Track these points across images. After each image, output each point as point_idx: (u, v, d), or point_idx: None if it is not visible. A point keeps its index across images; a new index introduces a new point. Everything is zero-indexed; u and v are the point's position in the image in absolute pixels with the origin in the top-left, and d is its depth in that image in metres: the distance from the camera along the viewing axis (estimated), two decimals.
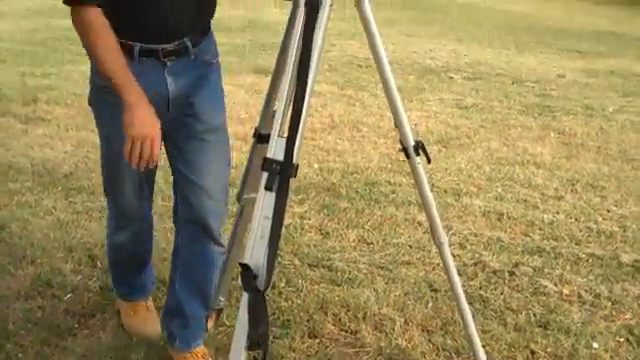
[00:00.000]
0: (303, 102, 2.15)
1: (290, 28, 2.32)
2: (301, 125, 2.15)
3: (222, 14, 11.47)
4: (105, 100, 2.52)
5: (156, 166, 2.56)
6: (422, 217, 4.21)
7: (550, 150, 5.72)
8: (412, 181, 4.78)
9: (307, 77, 2.16)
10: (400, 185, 4.74)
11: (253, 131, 2.61)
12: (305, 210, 4.28)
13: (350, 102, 6.81)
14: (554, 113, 6.84)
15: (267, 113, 2.55)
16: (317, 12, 2.20)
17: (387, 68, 2.50)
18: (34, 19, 10.87)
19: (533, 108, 6.99)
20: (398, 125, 2.57)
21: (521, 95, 7.54)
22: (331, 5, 2.23)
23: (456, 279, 2.63)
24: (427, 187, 2.53)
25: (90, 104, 2.67)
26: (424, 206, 2.56)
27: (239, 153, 5.21)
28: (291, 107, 2.19)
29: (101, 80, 2.47)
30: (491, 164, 5.29)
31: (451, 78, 8.26)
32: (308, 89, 2.16)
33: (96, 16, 2.33)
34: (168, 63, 2.54)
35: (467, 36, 11.96)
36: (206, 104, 2.66)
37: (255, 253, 2.10)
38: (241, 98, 6.64)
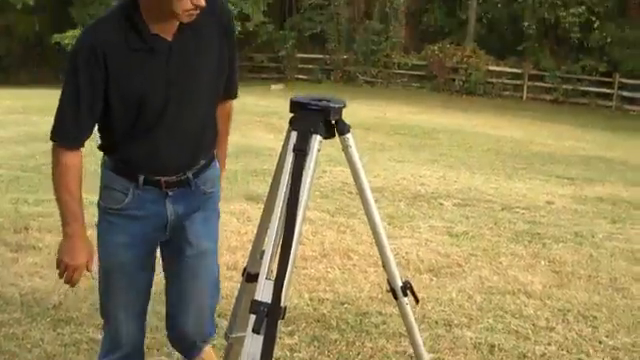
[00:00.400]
0: (291, 246, 2.19)
1: (279, 173, 2.38)
2: (289, 268, 2.18)
3: None
4: (107, 221, 2.72)
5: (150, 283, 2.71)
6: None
7: (541, 279, 5.73)
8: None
9: (295, 221, 2.21)
10: (391, 316, 4.72)
11: (242, 270, 2.64)
12: (295, 342, 4.25)
13: (341, 229, 6.85)
14: (544, 240, 6.88)
15: (255, 253, 2.59)
16: (305, 158, 2.27)
17: (375, 214, 2.54)
18: (30, 144, 11.02)
19: (523, 235, 7.03)
20: (385, 265, 2.60)
21: (511, 222, 7.60)
22: (319, 150, 2.30)
23: None
24: (416, 330, 2.53)
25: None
26: (414, 346, 2.56)
27: (230, 282, 5.21)
28: (279, 250, 2.23)
29: (105, 202, 2.70)
30: (482, 293, 5.29)
31: (441, 204, 8.34)
32: (296, 234, 2.19)
33: (72, 158, 2.54)
34: (169, 192, 2.67)
35: (456, 162, 12.14)
36: (199, 230, 2.77)
37: None
38: (233, 226, 6.67)
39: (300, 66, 34.50)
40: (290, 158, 2.29)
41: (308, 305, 4.87)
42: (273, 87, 30.20)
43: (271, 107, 19.88)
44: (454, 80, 31.41)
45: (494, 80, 30.91)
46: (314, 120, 2.33)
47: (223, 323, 4.45)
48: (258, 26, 33.61)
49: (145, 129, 2.55)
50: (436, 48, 31.76)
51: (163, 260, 2.86)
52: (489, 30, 33.07)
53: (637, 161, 14.63)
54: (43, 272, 5.32)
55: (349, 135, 2.49)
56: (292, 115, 2.38)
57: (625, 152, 16.24)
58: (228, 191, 8.19)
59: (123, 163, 2.62)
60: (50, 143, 2.57)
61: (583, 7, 29.69)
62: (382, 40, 32.81)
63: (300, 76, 34.05)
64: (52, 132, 2.56)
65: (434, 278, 5.63)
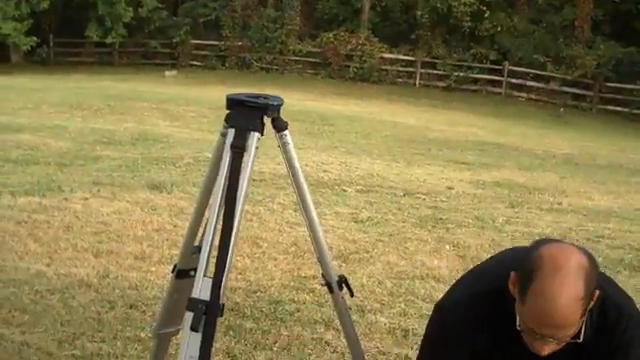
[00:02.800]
0: (229, 243, 2.16)
1: (214, 170, 2.34)
2: (227, 265, 2.15)
3: (112, 126, 11.41)
4: None
5: None
6: (329, 336, 4.21)
7: (447, 263, 5.83)
8: (316, 299, 4.80)
9: (233, 219, 2.17)
10: (304, 303, 4.72)
11: (172, 266, 2.59)
12: None
13: (247, 217, 6.79)
14: (447, 225, 7.01)
15: (188, 250, 2.54)
16: (243, 155, 2.23)
17: (312, 211, 2.53)
18: None
19: (427, 220, 7.15)
20: (320, 260, 2.59)
21: (414, 207, 7.72)
22: (257, 147, 2.27)
23: None
24: (351, 321, 2.54)
25: None
26: (348, 339, 2.57)
27: (138, 272, 5.12)
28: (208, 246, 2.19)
29: None
30: (392, 279, 5.35)
31: (345, 191, 8.40)
32: (234, 231, 2.16)
33: None
34: None
35: (356, 148, 12.25)
36: None
37: None
38: (137, 216, 6.55)
39: (194, 52, 34.15)
40: (227, 155, 2.25)
41: (224, 296, 4.82)
42: (167, 73, 29.81)
43: (166, 94, 19.63)
44: (348, 67, 31.66)
45: (388, 67, 31.32)
46: (252, 117, 2.29)
47: (135, 315, 4.41)
48: (152, 12, 33.08)
49: None
50: (331, 36, 31.94)
51: None
52: (383, 18, 33.44)
53: (528, 146, 15.10)
54: None
55: (287, 132, 2.46)
56: (228, 112, 2.33)
57: (516, 138, 16.74)
58: (130, 180, 8.05)
59: None
60: None
61: None
62: (277, 27, 32.76)
63: (194, 62, 33.71)
64: None
65: (343, 264, 5.65)
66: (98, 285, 4.81)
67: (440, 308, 2.31)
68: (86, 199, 7.05)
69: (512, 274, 2.11)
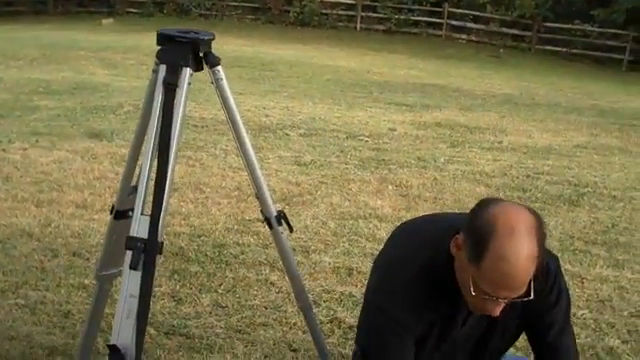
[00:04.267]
0: (165, 180, 2.15)
1: (147, 108, 2.32)
2: (164, 203, 2.15)
3: (49, 76, 11.18)
4: None
5: None
6: (274, 277, 4.24)
7: (390, 203, 5.89)
8: (260, 241, 4.83)
9: (168, 156, 2.16)
10: (249, 246, 4.74)
11: (110, 207, 2.57)
12: (155, 277, 4.19)
13: (190, 163, 6.77)
14: (389, 166, 7.07)
15: (124, 190, 2.52)
16: (176, 92, 2.21)
17: (248, 146, 2.53)
18: None
19: (369, 162, 7.20)
20: (259, 196, 2.60)
21: (356, 149, 7.75)
22: (189, 84, 2.25)
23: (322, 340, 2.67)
24: (292, 256, 2.56)
25: None
26: (289, 274, 2.59)
27: (80, 220, 5.08)
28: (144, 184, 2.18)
29: None
30: (335, 219, 5.40)
31: (287, 135, 8.39)
32: (170, 167, 2.15)
33: None
34: None
35: (298, 92, 12.21)
36: None
37: (122, 333, 2.07)
38: (78, 164, 6.48)
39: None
40: (160, 92, 2.22)
41: (164, 239, 4.81)
42: (104, 22, 29.18)
43: (103, 42, 19.28)
44: (288, 12, 31.37)
45: (328, 11, 31.10)
46: (184, 52, 2.26)
47: (78, 262, 4.38)
48: None
49: None
50: None
51: None
52: None
53: (469, 87, 15.22)
54: None
55: (219, 68, 2.44)
56: (159, 48, 2.30)
57: (457, 79, 16.85)
58: (69, 129, 7.94)
59: None
60: None
61: None
62: None
63: (131, 10, 33.02)
64: None
65: (287, 207, 5.67)
66: (40, 234, 4.76)
67: (377, 300, 2.29)
68: (25, 149, 6.94)
69: (457, 237, 2.12)
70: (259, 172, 2.59)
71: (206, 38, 2.35)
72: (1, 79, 11.70)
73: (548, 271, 2.28)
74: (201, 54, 2.36)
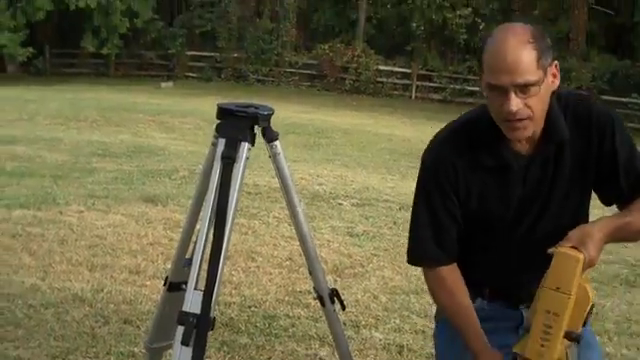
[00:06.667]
0: (220, 255, 2.16)
1: (205, 181, 2.33)
2: (218, 278, 2.14)
3: (107, 138, 11.40)
4: (446, 332, 2.54)
5: None
6: (323, 352, 4.20)
7: None
8: (311, 314, 4.79)
9: (224, 231, 2.17)
10: (299, 318, 4.71)
11: (164, 278, 2.58)
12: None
13: (242, 231, 6.79)
14: None
15: (179, 261, 2.53)
16: (234, 166, 2.23)
17: (304, 224, 2.53)
18: None
19: None
20: (312, 272, 2.59)
21: (409, 221, 7.69)
22: (247, 158, 2.27)
23: None
24: (342, 333, 2.54)
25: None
26: (339, 351, 2.56)
27: (133, 287, 5.11)
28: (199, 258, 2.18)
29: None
30: (387, 294, 5.35)
31: (340, 204, 8.39)
32: (225, 241, 2.16)
33: (448, 274, 2.39)
34: (522, 308, 2.44)
35: (352, 161, 12.25)
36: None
37: None
38: (132, 229, 6.54)
39: (190, 64, 34.13)
40: (218, 166, 2.24)
41: (215, 309, 4.81)
42: (163, 85, 29.80)
43: (162, 105, 19.63)
44: (344, 79, 31.67)
45: (384, 79, 31.31)
46: (242, 127, 2.28)
47: (129, 329, 4.39)
48: (147, 23, 33.11)
49: (491, 246, 2.39)
50: (326, 47, 31.93)
51: None
52: (378, 30, 33.50)
53: None
54: None
55: (277, 142, 2.46)
56: (219, 122, 2.33)
57: None
58: (125, 193, 8.04)
59: (465, 274, 2.42)
60: None
61: (469, 9, 30.46)
62: (273, 39, 32.80)
63: (190, 74, 33.70)
64: (410, 254, 2.50)
65: (338, 279, 5.65)
66: (92, 299, 4.80)
67: (422, 157, 2.44)
68: (81, 212, 7.04)
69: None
70: (311, 244, 2.59)
71: (265, 113, 2.38)
72: (61, 140, 11.96)
73: (589, 114, 2.33)
74: (260, 129, 2.39)
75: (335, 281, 5.57)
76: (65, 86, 26.82)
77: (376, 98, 30.33)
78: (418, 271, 5.90)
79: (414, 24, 31.06)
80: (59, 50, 33.43)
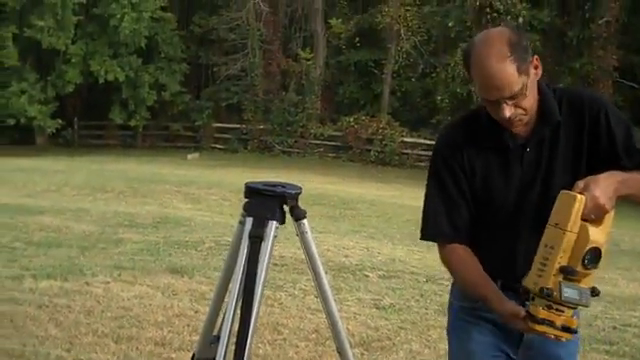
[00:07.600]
0: (248, 333, 2.14)
1: (233, 259, 2.33)
2: (245, 356, 2.12)
3: (134, 209, 11.42)
4: (459, 319, 2.71)
5: None
6: None
7: None
8: None
9: (252, 309, 2.16)
10: None
11: (191, 356, 2.56)
12: None
13: (268, 303, 6.75)
14: None
15: (206, 339, 2.51)
16: (261, 245, 2.23)
17: (331, 299, 2.51)
18: None
19: None
20: (340, 351, 2.56)
21: (436, 294, 7.63)
22: (275, 236, 2.27)
23: None
24: None
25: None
26: None
27: (158, 359, 5.08)
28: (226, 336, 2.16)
29: (459, 300, 2.67)
30: None
31: (367, 276, 8.34)
32: (252, 320, 2.14)
33: (462, 249, 2.52)
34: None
35: (378, 232, 12.21)
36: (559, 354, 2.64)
37: None
38: (158, 301, 6.53)
39: (216, 135, 34.50)
40: (245, 244, 2.24)
41: None
42: (189, 156, 30.09)
43: (188, 176, 19.78)
44: (369, 150, 31.80)
45: (409, 151, 31.40)
46: (271, 206, 2.29)
47: None
48: (175, 96, 33.62)
49: (497, 236, 2.51)
50: (351, 120, 32.17)
51: None
52: (403, 103, 33.78)
53: None
54: None
55: (305, 221, 2.47)
56: (246, 200, 2.33)
57: None
58: (151, 264, 8.05)
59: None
60: None
61: None
62: (298, 111, 33.12)
63: (216, 145, 34.04)
64: (424, 231, 2.64)
65: (365, 352, 5.59)
66: None
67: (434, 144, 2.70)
68: (107, 283, 7.05)
69: None
70: (341, 326, 2.56)
71: (293, 192, 2.39)
72: (88, 211, 12.04)
73: (581, 99, 2.50)
74: (288, 207, 2.39)
75: (362, 354, 5.51)
76: (92, 157, 27.16)
77: (401, 169, 30.36)
78: (446, 345, 5.85)
79: (438, 97, 31.24)
80: (87, 122, 33.97)
